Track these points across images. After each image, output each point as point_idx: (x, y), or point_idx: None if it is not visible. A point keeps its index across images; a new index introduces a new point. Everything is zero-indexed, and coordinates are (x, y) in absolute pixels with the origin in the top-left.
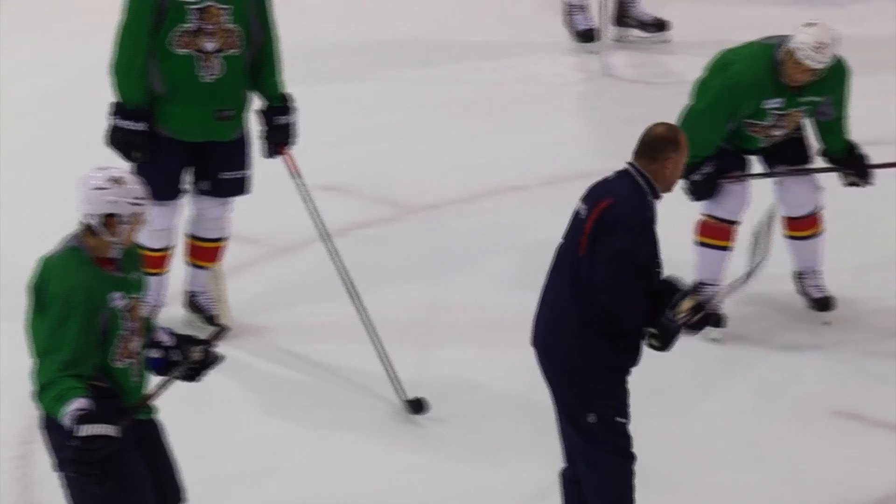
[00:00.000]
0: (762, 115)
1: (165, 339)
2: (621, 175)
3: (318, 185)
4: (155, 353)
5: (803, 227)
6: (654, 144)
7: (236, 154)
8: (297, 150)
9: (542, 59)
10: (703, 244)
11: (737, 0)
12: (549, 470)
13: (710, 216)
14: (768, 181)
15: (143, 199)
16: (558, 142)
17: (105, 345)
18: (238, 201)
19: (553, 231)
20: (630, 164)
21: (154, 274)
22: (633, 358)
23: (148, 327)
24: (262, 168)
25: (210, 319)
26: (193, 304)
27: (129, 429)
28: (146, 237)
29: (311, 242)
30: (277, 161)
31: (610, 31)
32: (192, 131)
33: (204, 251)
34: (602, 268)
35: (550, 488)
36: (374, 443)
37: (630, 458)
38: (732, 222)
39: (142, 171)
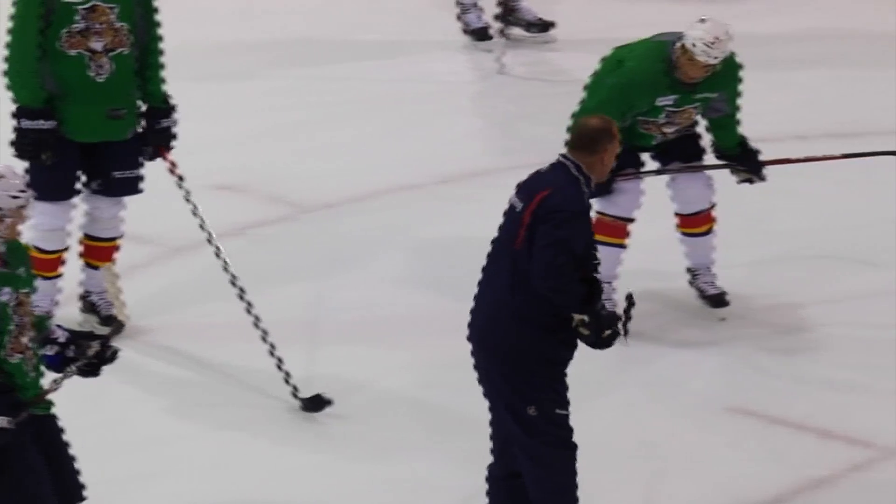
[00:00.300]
0: (656, 112)
1: (60, 336)
2: (555, 167)
3: (212, 184)
4: (51, 350)
5: (696, 223)
6: (593, 137)
7: (129, 153)
8: (191, 150)
9: (437, 57)
10: (597, 242)
11: None
12: (449, 467)
13: (604, 214)
14: (662, 178)
15: (23, 191)
16: (453, 140)
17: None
18: (133, 201)
19: (447, 230)
20: (564, 156)
21: (48, 278)
22: (571, 350)
23: (41, 324)
24: (157, 168)
25: (105, 320)
26: (88, 304)
27: (26, 424)
28: (40, 239)
29: (206, 243)
30: (179, 162)
31: (494, 29)
32: (86, 131)
33: (98, 251)
34: (540, 256)
35: (450, 485)
36: (271, 442)
37: (572, 449)
38: (626, 220)
39: (36, 171)
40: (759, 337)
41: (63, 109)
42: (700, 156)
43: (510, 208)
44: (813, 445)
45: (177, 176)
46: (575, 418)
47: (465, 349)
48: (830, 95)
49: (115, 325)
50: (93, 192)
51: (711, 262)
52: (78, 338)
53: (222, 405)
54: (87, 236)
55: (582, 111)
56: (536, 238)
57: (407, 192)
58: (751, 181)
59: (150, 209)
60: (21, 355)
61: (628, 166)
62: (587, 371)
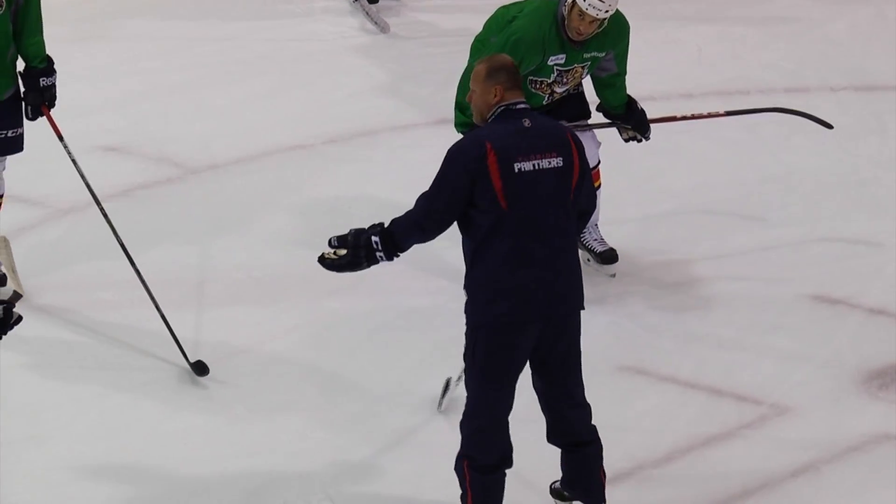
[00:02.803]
0: (546, 71)
1: None
2: (530, 113)
3: (97, 145)
4: None
5: (594, 177)
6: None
7: (7, 113)
8: (75, 112)
9: (319, 17)
10: None
11: None
12: (338, 430)
13: None
14: None
15: None
16: (339, 100)
17: None
18: (19, 163)
19: (335, 189)
20: (522, 101)
21: None
22: None
23: None
24: (42, 130)
25: None
26: None
27: None
28: None
29: (93, 204)
30: (64, 124)
31: None
32: None
33: None
34: (591, 187)
35: (341, 447)
36: (156, 405)
37: None
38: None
39: None
40: (648, 295)
41: None
42: (586, 115)
43: (541, 172)
44: (703, 403)
45: (59, 135)
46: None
47: (350, 311)
48: (716, 53)
49: (12, 296)
50: None
51: (597, 219)
52: None
53: (108, 368)
54: None
55: (468, 72)
56: (585, 173)
57: (294, 152)
58: (637, 139)
59: (37, 171)
60: None
61: None
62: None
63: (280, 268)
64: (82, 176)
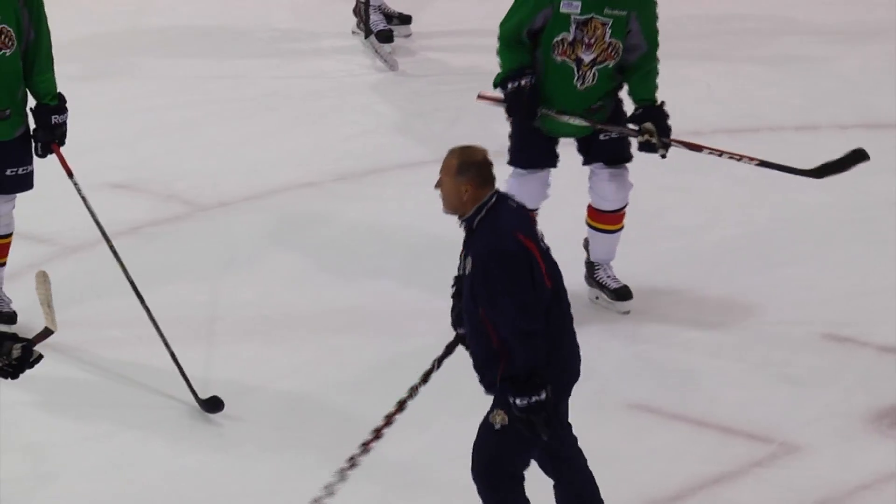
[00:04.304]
0: (562, 22)
1: None
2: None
3: (106, 182)
4: None
5: (609, 221)
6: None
7: (18, 151)
8: (83, 149)
9: (330, 55)
10: None
11: None
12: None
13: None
14: (584, 175)
15: None
16: (349, 137)
17: None
18: (29, 200)
19: (344, 228)
20: (497, 192)
21: None
22: None
23: None
24: (52, 167)
25: (2, 317)
26: None
27: None
28: None
29: (101, 241)
30: (72, 160)
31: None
32: None
33: None
34: None
35: (353, 486)
36: (166, 443)
37: None
38: (536, 210)
39: None
40: (658, 332)
41: None
42: (627, 158)
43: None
44: (713, 441)
45: (68, 173)
46: (471, 416)
47: (360, 349)
48: (726, 90)
49: (43, 332)
50: None
51: (612, 258)
52: (1, 339)
53: (117, 406)
54: None
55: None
56: None
57: (303, 189)
58: (653, 148)
59: (46, 208)
60: None
61: (544, 159)
62: None
63: (289, 305)
64: (92, 213)
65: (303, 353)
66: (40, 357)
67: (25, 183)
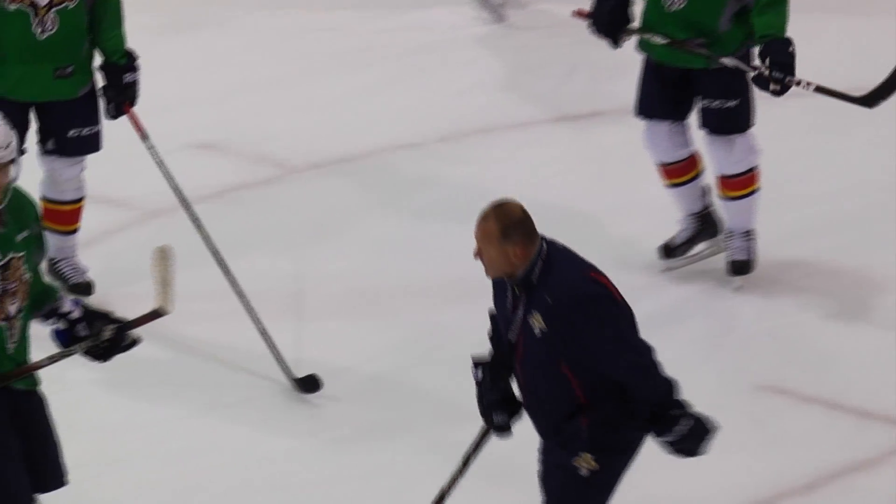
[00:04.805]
0: None
1: (72, 311)
2: None
3: (191, 143)
4: (60, 325)
5: (733, 187)
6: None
7: (82, 110)
8: (167, 107)
9: (433, 6)
10: (672, 185)
11: None
12: (452, 454)
13: (659, 164)
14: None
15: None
16: (453, 95)
17: None
18: (108, 161)
19: (445, 192)
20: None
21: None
22: None
23: (47, 293)
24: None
25: (74, 288)
26: (55, 271)
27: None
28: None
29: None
30: (156, 119)
31: None
32: (29, 90)
33: (61, 214)
34: None
35: (443, 466)
36: (253, 425)
37: None
38: (675, 161)
39: None
40: (787, 309)
41: (5, 70)
42: (734, 128)
43: None
44: (849, 426)
45: (143, 135)
46: None
47: (461, 325)
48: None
49: (152, 313)
50: (46, 152)
51: (749, 225)
52: (93, 317)
53: (198, 385)
54: (47, 199)
55: None
56: None
57: (402, 151)
58: (765, 84)
59: (125, 169)
60: (1, 324)
61: (663, 108)
62: None
63: (386, 277)
64: (169, 178)
65: (401, 328)
66: (136, 341)
67: (91, 145)
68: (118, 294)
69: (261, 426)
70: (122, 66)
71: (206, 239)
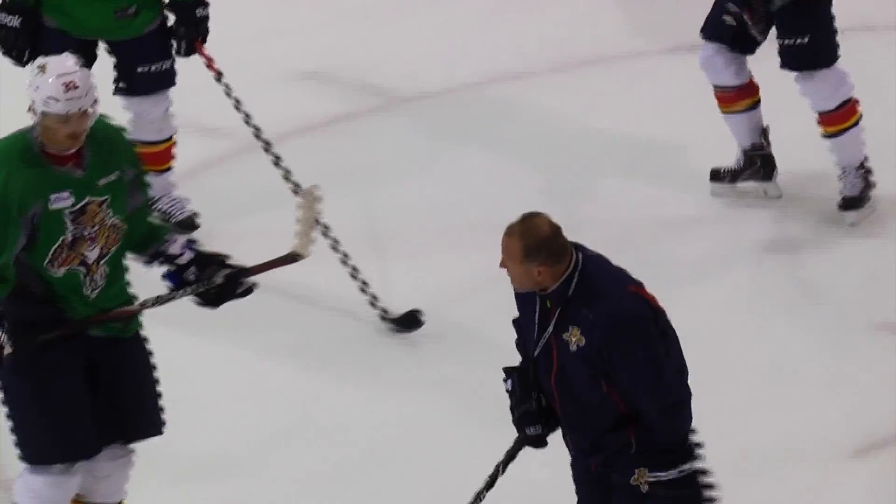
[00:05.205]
0: None
1: (181, 254)
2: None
3: (292, 72)
4: (167, 268)
5: (830, 122)
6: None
7: (149, 47)
8: (267, 34)
9: None
10: (725, 113)
11: None
12: None
13: (716, 88)
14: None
15: (57, 98)
16: (564, 23)
17: (37, 247)
18: (206, 89)
19: (559, 123)
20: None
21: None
22: None
23: (154, 235)
24: (231, 53)
25: (178, 224)
26: (156, 209)
27: (74, 345)
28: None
29: (287, 136)
30: (255, 47)
31: None
32: (93, 29)
33: (153, 155)
34: None
35: None
36: (349, 366)
37: None
38: (728, 88)
39: None
40: None
41: (66, 6)
42: (811, 65)
43: None
44: None
45: (217, 74)
46: (707, 334)
47: None
48: None
49: (286, 257)
50: (118, 91)
51: (858, 158)
52: (205, 261)
53: (292, 328)
54: (136, 141)
55: None
56: None
57: (513, 81)
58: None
59: (225, 99)
60: (77, 268)
61: (726, 33)
62: (720, 287)
63: (496, 210)
64: (247, 118)
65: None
66: (252, 288)
67: (162, 81)
68: (221, 231)
69: (357, 366)
70: (193, 1)
71: (289, 176)
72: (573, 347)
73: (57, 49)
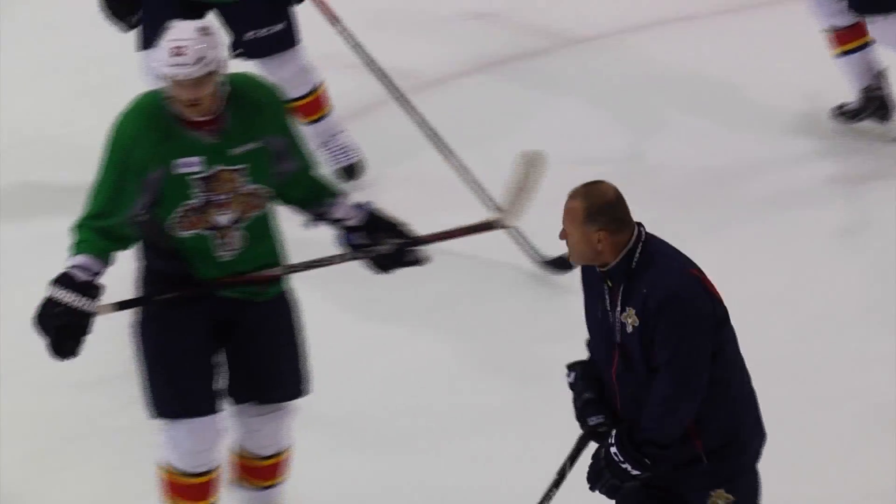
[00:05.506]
0: None
1: (348, 216)
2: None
3: (464, 11)
4: (335, 230)
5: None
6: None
7: (255, 11)
8: None
9: None
10: (838, 55)
11: None
12: None
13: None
14: None
15: (174, 62)
16: None
17: (164, 209)
18: (379, 29)
19: (724, 70)
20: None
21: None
22: None
23: (318, 194)
24: None
25: (342, 172)
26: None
27: (202, 305)
28: None
29: (463, 75)
30: None
31: None
32: None
33: (300, 108)
34: None
35: None
36: (513, 308)
37: None
38: (837, 27)
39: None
40: None
41: None
42: None
43: None
44: None
45: (332, 18)
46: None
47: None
48: None
49: (484, 224)
50: (237, 56)
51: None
52: (377, 225)
53: (439, 276)
54: None
55: None
56: None
57: (681, 23)
58: None
59: (392, 39)
60: (207, 232)
61: None
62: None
63: (649, 161)
64: (376, 66)
65: (659, 209)
66: (423, 260)
67: (277, 44)
68: (386, 176)
69: (515, 311)
70: None
71: (426, 127)
72: (629, 329)
73: (159, 10)
